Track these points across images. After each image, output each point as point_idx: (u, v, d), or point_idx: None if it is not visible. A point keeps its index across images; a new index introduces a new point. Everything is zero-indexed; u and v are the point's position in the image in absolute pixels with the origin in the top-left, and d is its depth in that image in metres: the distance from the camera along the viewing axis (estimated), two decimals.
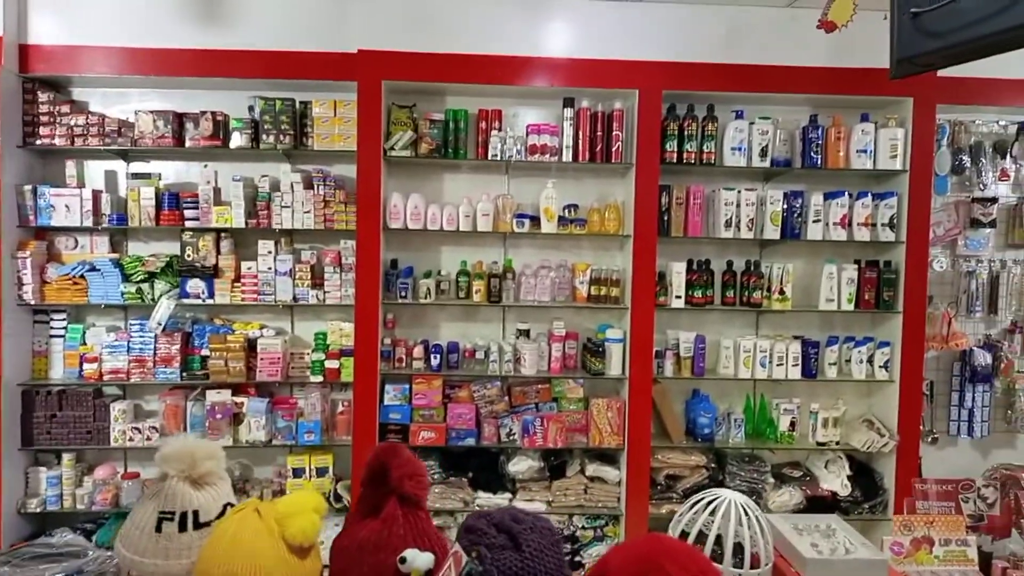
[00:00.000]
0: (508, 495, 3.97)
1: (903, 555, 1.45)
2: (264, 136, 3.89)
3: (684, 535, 1.45)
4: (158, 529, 1.32)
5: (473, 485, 4.01)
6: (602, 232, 4.08)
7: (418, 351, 4.02)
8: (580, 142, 3.96)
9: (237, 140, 3.90)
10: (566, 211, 4.10)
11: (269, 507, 1.25)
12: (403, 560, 1.18)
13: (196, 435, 1.45)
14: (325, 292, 3.98)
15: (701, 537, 1.46)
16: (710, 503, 1.45)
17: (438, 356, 4.01)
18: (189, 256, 3.95)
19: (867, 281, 4.06)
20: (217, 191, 3.98)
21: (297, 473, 3.97)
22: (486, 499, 3.93)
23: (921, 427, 4.14)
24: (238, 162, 4.06)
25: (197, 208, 3.93)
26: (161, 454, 1.37)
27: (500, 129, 4.03)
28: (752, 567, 1.40)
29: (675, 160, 3.98)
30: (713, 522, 1.43)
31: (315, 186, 3.95)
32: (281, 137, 3.89)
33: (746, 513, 1.40)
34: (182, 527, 1.33)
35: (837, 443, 4.11)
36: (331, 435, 4.07)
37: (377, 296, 3.90)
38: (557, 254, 4.23)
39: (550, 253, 4.22)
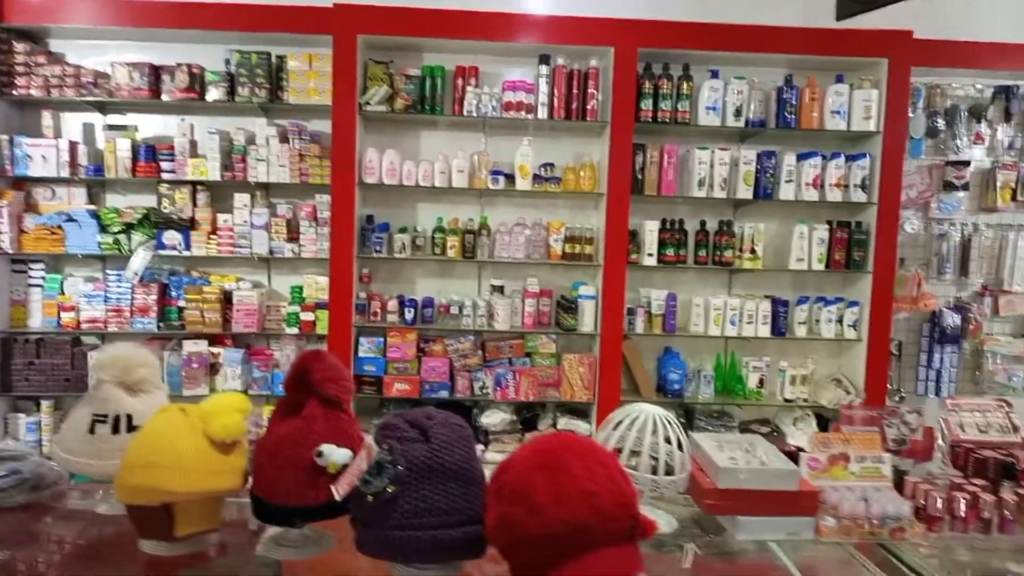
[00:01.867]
0: (481, 447, 4.04)
1: (819, 470, 1.50)
2: (240, 89, 3.91)
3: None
4: (91, 431, 1.37)
5: None
6: (577, 191, 4.11)
7: (392, 305, 4.07)
8: (556, 100, 3.98)
9: (213, 93, 3.92)
10: (542, 169, 4.13)
11: (194, 407, 1.30)
12: (319, 454, 1.24)
13: (134, 344, 1.49)
14: (301, 246, 4.02)
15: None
16: (633, 421, 1.50)
17: (412, 310, 4.06)
18: (166, 208, 3.98)
19: (838, 242, 4.10)
20: (193, 144, 4.01)
21: None
22: None
23: (888, 386, 4.21)
24: (214, 115, 4.08)
25: (173, 160, 3.95)
26: (96, 360, 1.42)
27: (477, 86, 4.04)
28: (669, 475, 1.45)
29: (650, 119, 3.99)
30: (640, 439, 1.48)
31: (290, 140, 3.98)
32: (256, 90, 3.90)
33: (665, 426, 1.46)
34: (115, 430, 1.38)
35: (805, 400, 4.18)
36: None
37: (352, 251, 3.94)
38: (533, 212, 4.26)
39: (526, 211, 4.26)
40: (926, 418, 1.81)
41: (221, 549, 1.35)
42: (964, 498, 1.45)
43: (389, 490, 1.14)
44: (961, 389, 4.34)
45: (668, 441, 1.49)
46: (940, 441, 1.66)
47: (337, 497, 1.17)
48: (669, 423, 1.49)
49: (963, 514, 1.45)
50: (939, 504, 1.44)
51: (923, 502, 1.47)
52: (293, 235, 4.03)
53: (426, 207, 4.27)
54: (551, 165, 4.14)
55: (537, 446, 1.18)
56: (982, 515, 1.45)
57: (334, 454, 1.23)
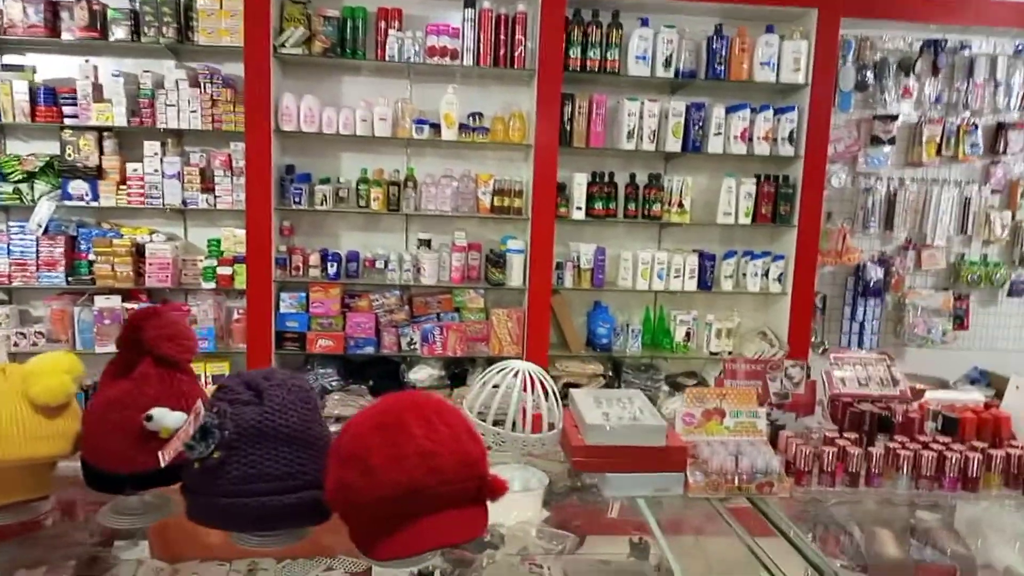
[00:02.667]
0: None
1: (694, 425, 1.48)
2: (145, 29, 3.68)
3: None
4: None
5: (373, 393, 4.02)
6: (506, 142, 4.01)
7: (314, 259, 3.95)
8: (482, 46, 3.84)
9: (117, 32, 3.68)
10: (470, 119, 4.01)
11: (16, 367, 1.20)
12: (149, 418, 1.16)
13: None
14: (216, 197, 3.86)
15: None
16: (505, 377, 1.45)
17: (335, 264, 3.95)
18: (70, 156, 3.77)
19: (764, 195, 4.09)
20: (98, 88, 3.78)
21: None
22: None
23: (812, 339, 4.27)
24: (119, 57, 3.85)
25: (76, 105, 3.73)
26: None
27: (400, 29, 3.87)
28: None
29: (579, 68, 3.89)
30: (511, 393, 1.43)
31: (202, 85, 3.78)
32: (164, 30, 3.68)
33: (540, 382, 1.41)
34: None
35: (730, 353, 4.22)
36: (227, 343, 4.02)
37: (269, 202, 3.80)
38: (461, 164, 4.15)
39: (454, 163, 4.15)
40: (816, 372, 1.81)
41: (57, 517, 1.28)
42: (832, 452, 1.44)
43: (215, 456, 1.07)
44: (884, 341, 4.43)
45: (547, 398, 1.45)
46: (821, 395, 1.66)
47: (162, 463, 1.10)
48: (543, 380, 1.45)
49: (831, 468, 1.45)
50: (807, 458, 1.44)
51: (793, 457, 1.46)
52: (208, 185, 3.86)
53: (350, 157, 4.13)
54: (480, 115, 4.03)
55: (379, 405, 1.13)
56: (849, 469, 1.45)
57: (166, 418, 1.16)
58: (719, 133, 4.01)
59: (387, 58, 3.81)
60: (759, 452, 1.47)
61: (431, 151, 4.15)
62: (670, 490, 1.42)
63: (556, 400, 1.45)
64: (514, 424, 1.44)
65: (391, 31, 3.81)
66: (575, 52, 3.88)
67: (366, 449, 1.06)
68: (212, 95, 3.76)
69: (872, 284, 4.30)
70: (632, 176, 4.12)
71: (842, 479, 1.44)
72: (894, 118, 4.22)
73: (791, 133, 4.02)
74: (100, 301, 3.82)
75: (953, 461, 1.46)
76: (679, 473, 1.42)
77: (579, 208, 4.02)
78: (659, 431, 1.42)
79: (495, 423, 1.42)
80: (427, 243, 4.08)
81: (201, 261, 3.93)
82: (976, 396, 1.69)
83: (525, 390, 1.43)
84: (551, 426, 1.43)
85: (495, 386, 1.45)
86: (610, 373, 4.19)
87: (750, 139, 4.03)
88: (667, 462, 1.41)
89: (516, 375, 1.43)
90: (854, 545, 1.41)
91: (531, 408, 1.39)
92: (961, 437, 1.56)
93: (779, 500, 1.43)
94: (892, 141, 4.24)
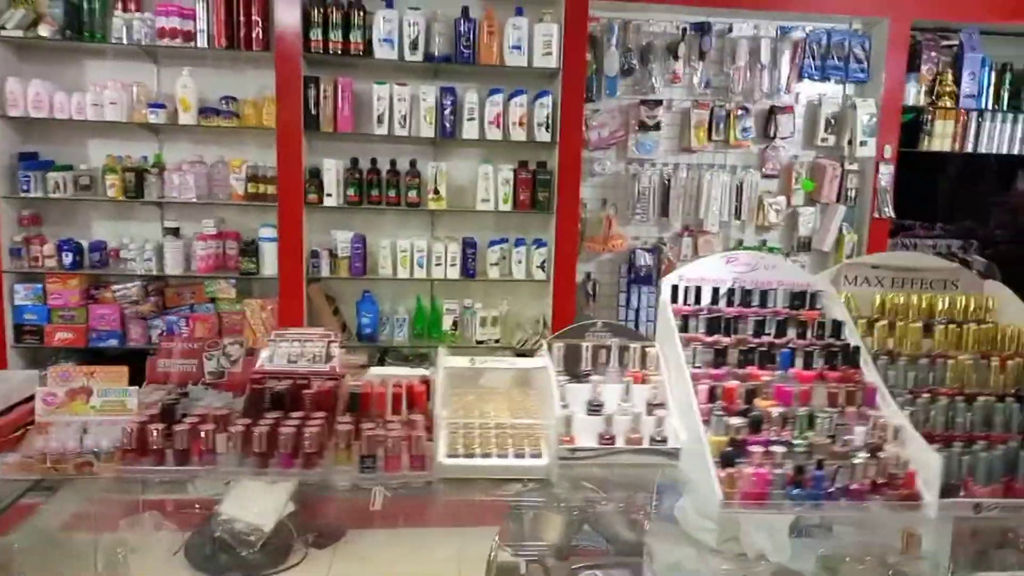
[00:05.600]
0: None
1: (56, 404, 1.39)
2: None
3: None
4: None
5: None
6: (258, 126, 3.91)
7: (49, 249, 3.82)
8: (214, 26, 3.73)
9: None
10: (223, 103, 3.90)
11: None
12: None
13: None
14: None
15: None
16: None
17: (70, 254, 3.81)
18: None
19: (522, 182, 4.03)
20: None
21: None
22: None
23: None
24: None
25: None
26: None
27: (139, 10, 3.75)
28: None
29: (322, 50, 3.79)
30: None
31: None
32: None
33: None
34: None
35: (496, 341, 4.16)
36: None
37: None
38: (216, 150, 4.03)
39: (208, 149, 4.03)
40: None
41: None
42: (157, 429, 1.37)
43: None
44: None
45: None
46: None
47: None
48: None
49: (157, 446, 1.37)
50: (131, 436, 1.36)
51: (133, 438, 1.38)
52: None
53: (99, 144, 3.99)
54: (233, 99, 3.92)
55: None
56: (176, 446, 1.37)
57: None
58: (472, 119, 3.94)
59: (113, 40, 3.69)
60: (106, 432, 1.39)
61: (185, 137, 4.03)
62: None
63: None
64: None
65: (116, 13, 3.69)
66: (316, 34, 3.78)
67: None
68: None
69: (643, 271, 4.26)
70: (393, 163, 4.04)
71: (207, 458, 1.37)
72: (659, 103, 4.18)
73: (547, 118, 3.96)
74: None
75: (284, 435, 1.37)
76: None
77: (329, 195, 3.92)
78: None
79: None
80: (175, 231, 3.96)
81: None
82: (421, 372, 1.63)
83: None
84: None
85: None
86: (379, 363, 4.10)
87: (504, 125, 3.95)
88: None
89: None
90: None
91: None
92: (364, 412, 1.50)
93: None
94: (658, 127, 4.20)
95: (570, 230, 4.04)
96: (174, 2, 3.72)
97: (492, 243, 4.12)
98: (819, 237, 4.40)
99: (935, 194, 5.38)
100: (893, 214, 4.29)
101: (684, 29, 4.15)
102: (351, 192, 3.95)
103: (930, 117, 4.33)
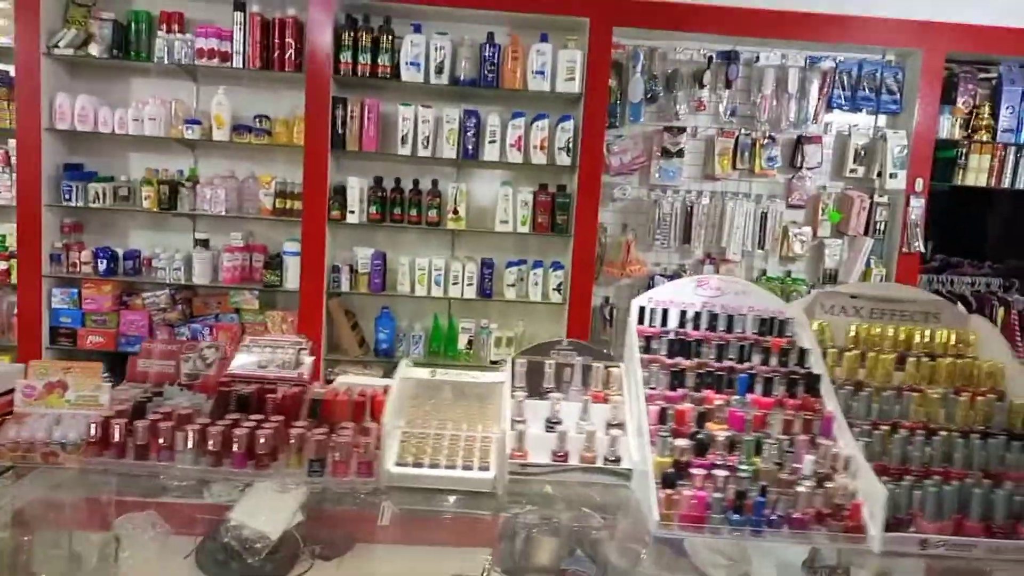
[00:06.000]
0: None
1: (34, 397, 1.47)
2: None
3: None
4: None
5: None
6: (289, 144, 4.05)
7: (86, 256, 4.01)
8: (249, 48, 3.89)
9: None
10: (256, 121, 4.07)
11: None
12: None
13: None
14: None
15: None
16: None
17: (105, 261, 3.99)
18: None
19: (541, 204, 4.07)
20: None
21: None
22: None
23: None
24: None
25: None
26: None
27: (183, 32, 3.95)
28: None
29: (351, 72, 3.92)
30: None
31: None
32: None
33: None
34: None
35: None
36: (9, 336, 4.08)
37: (38, 199, 3.87)
38: (248, 165, 4.20)
39: (241, 164, 4.19)
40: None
41: None
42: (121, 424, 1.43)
43: None
44: None
45: None
46: None
47: None
48: None
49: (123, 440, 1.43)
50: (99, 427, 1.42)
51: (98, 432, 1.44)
52: None
53: (140, 157, 4.20)
54: (266, 117, 4.08)
55: None
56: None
57: None
58: (494, 141, 4.00)
59: (155, 60, 3.89)
60: (74, 425, 1.46)
61: (219, 152, 4.20)
62: None
63: None
64: None
65: (159, 33, 3.89)
66: (346, 56, 3.91)
67: None
68: None
69: None
70: (415, 182, 4.12)
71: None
72: (683, 130, 4.18)
73: (568, 143, 4.00)
74: None
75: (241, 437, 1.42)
76: None
77: (352, 212, 4.02)
78: None
79: None
80: (204, 243, 4.12)
81: None
82: (387, 383, 1.66)
83: None
84: None
85: None
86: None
87: (525, 148, 4.01)
88: None
89: None
90: None
91: None
92: (324, 419, 1.54)
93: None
94: (681, 154, 4.19)
95: (587, 254, 4.05)
96: (213, 24, 3.90)
97: (510, 264, 4.15)
98: (846, 270, 4.30)
99: (984, 231, 5.23)
100: (923, 248, 4.17)
101: (710, 57, 4.15)
102: (373, 210, 4.05)
103: (965, 151, 4.21)
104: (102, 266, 4.00)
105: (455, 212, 4.05)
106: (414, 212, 4.09)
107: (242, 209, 4.13)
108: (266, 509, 1.86)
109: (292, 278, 4.07)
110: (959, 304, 4.27)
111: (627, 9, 3.92)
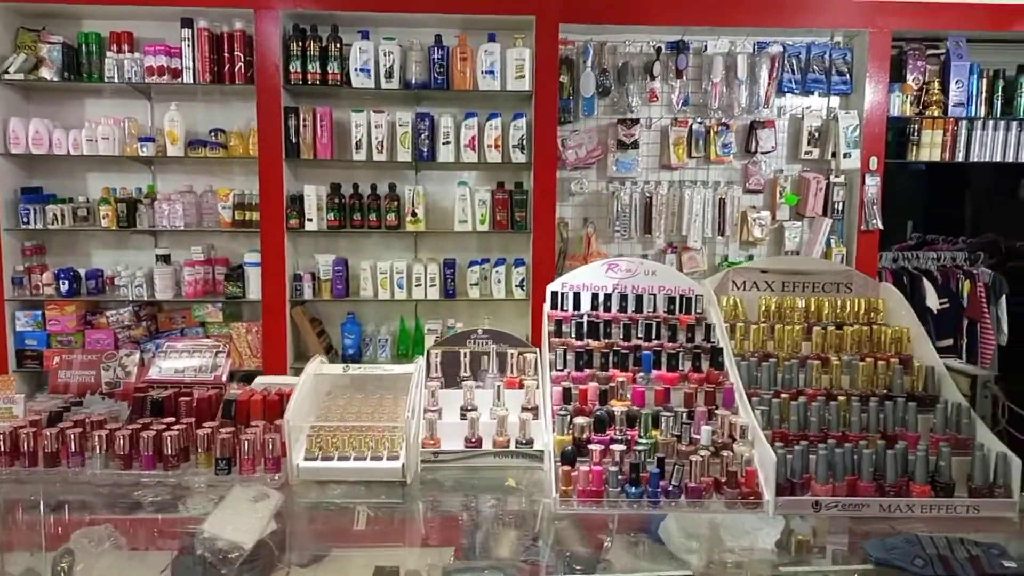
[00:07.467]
0: None
1: None
2: None
3: None
4: None
5: None
6: (246, 156, 4.07)
7: (48, 277, 4.02)
8: (200, 63, 3.91)
9: None
10: (212, 135, 4.08)
11: None
12: None
13: None
14: None
15: None
16: None
17: (67, 282, 4.00)
18: None
19: (499, 203, 4.09)
20: None
21: None
22: None
23: None
24: None
25: None
26: None
27: (132, 51, 3.97)
28: None
29: (302, 81, 3.94)
30: None
31: None
32: None
33: None
34: None
35: None
36: None
37: None
38: (206, 179, 4.21)
39: (200, 179, 4.21)
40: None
41: None
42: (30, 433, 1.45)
43: None
44: None
45: None
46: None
47: None
48: None
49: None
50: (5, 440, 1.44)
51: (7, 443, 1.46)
52: None
53: (97, 177, 4.21)
54: (221, 131, 4.10)
55: None
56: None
57: None
58: (448, 142, 4.02)
59: (107, 80, 3.90)
60: None
61: (177, 168, 4.22)
62: None
63: None
64: None
65: (109, 54, 3.91)
66: (296, 66, 3.93)
67: None
68: None
69: None
70: (373, 187, 4.14)
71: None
72: (636, 122, 4.20)
73: (521, 140, 4.02)
74: None
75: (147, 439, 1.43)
76: None
77: (310, 220, 4.04)
78: None
79: None
80: (166, 258, 4.13)
81: None
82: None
83: None
84: None
85: None
86: None
87: (480, 148, 4.03)
88: None
89: None
90: None
91: None
92: (239, 419, 1.55)
93: None
94: (636, 145, 4.22)
95: (547, 249, 4.07)
96: (163, 42, 3.92)
97: (472, 263, 4.17)
98: (806, 251, 4.33)
99: (962, 207, 5.26)
100: (881, 226, 4.20)
101: (659, 49, 4.18)
102: (332, 216, 4.07)
103: (918, 127, 4.24)
104: (64, 287, 4.01)
105: (414, 215, 4.07)
106: (373, 217, 4.11)
107: (202, 223, 4.15)
108: (239, 519, 1.86)
109: (254, 289, 4.08)
110: (924, 280, 4.33)
111: (573, 5, 3.95)
